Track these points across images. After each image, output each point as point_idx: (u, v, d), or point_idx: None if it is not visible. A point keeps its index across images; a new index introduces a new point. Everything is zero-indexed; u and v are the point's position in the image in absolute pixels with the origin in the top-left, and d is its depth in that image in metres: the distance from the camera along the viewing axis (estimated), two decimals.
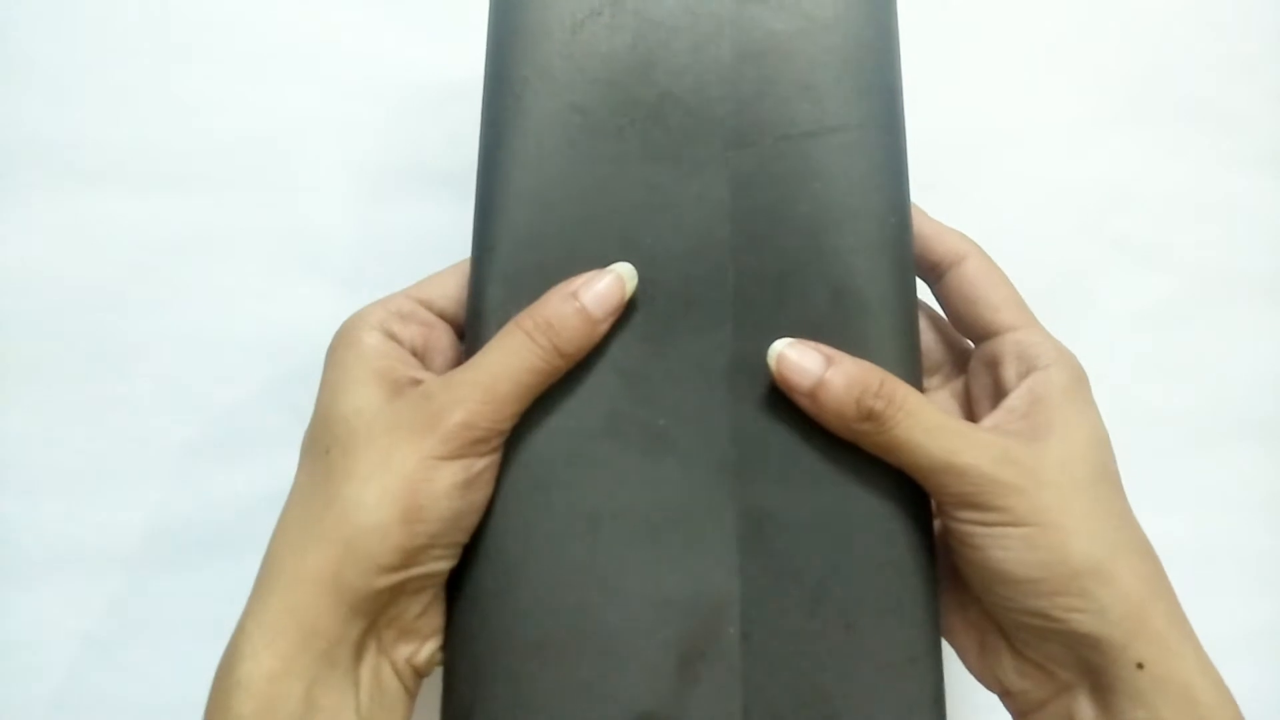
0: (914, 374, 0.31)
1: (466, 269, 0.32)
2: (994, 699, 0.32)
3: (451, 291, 0.32)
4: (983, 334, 0.32)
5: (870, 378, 0.29)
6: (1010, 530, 0.27)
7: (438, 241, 0.41)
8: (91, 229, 0.39)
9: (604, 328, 0.30)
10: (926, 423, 0.28)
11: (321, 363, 0.40)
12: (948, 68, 0.44)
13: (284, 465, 0.41)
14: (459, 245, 0.41)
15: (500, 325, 0.30)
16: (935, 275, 0.34)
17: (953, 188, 0.42)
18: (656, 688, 0.29)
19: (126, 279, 0.40)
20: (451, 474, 0.27)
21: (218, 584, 0.40)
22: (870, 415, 0.28)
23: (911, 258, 0.32)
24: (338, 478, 0.27)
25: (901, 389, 0.29)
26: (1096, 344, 0.45)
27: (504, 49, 0.33)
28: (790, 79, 0.33)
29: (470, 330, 0.31)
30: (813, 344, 0.30)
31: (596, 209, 0.32)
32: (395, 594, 0.27)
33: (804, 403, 0.29)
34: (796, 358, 0.29)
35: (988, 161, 0.43)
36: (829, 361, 0.29)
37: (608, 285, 0.30)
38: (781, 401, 0.30)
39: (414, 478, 0.26)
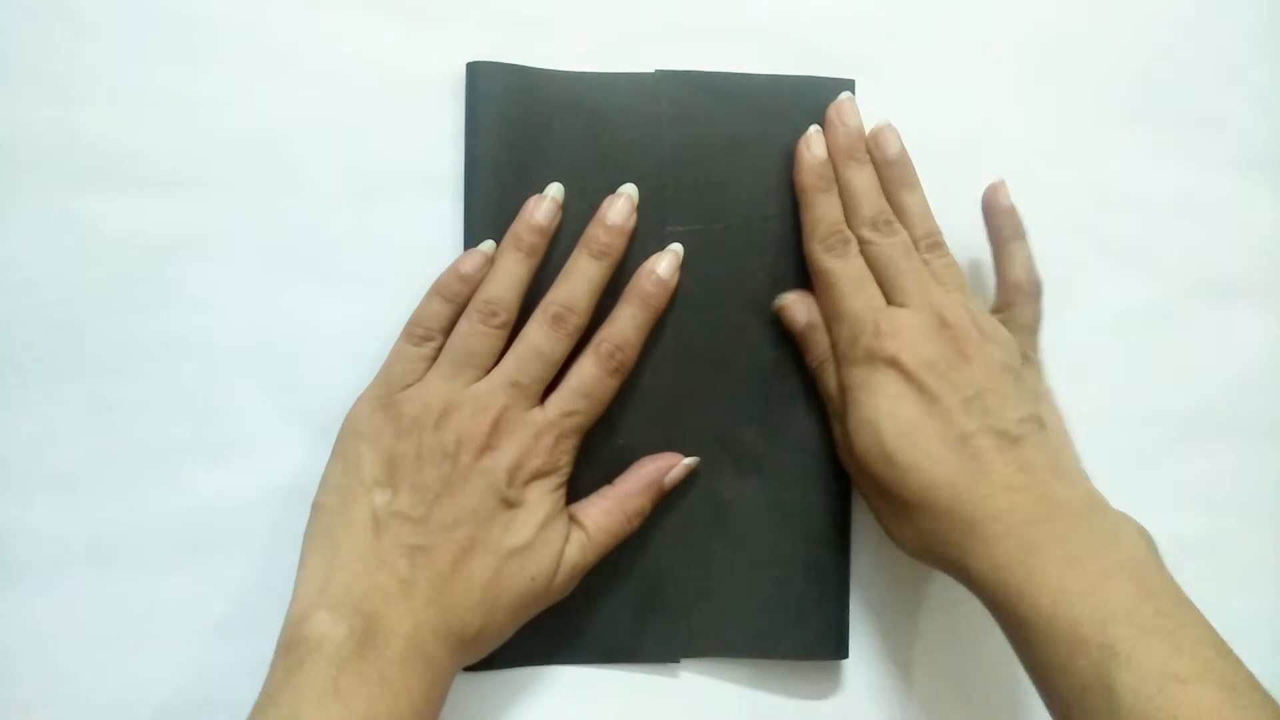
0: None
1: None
2: None
3: None
4: None
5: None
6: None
7: (433, 241, 0.41)
8: (88, 229, 0.39)
9: None
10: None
11: (318, 361, 0.41)
12: (936, 71, 0.45)
13: (281, 465, 0.41)
14: (457, 245, 0.41)
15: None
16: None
17: (942, 189, 0.42)
18: (617, 629, 0.41)
19: (124, 279, 0.40)
20: None
21: (216, 584, 0.40)
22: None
23: None
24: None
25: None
26: (1083, 345, 0.46)
27: (478, 138, 0.40)
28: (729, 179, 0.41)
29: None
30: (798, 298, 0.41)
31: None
32: None
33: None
34: (789, 306, 0.41)
35: (976, 164, 0.44)
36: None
37: (678, 474, 0.40)
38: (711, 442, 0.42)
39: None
